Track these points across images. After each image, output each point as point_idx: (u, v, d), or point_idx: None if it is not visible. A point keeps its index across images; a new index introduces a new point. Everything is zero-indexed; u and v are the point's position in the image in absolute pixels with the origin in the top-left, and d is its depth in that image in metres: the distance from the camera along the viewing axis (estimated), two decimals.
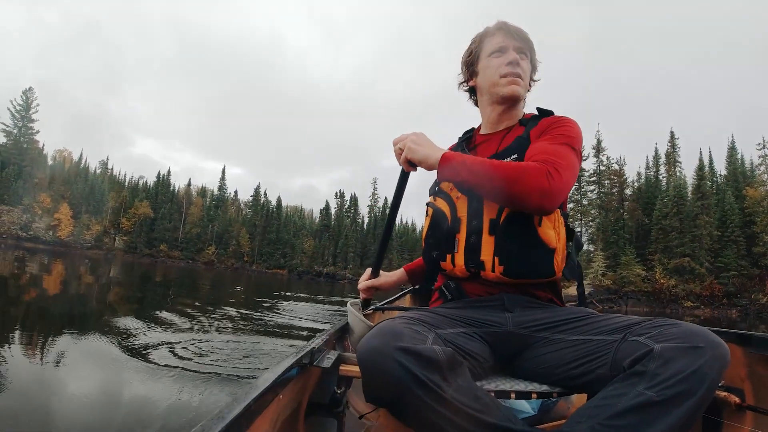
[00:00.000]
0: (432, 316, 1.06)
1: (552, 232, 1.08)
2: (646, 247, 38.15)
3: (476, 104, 1.37)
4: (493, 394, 0.97)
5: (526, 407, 1.40)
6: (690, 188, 39.09)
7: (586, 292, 1.21)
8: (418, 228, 65.13)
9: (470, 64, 1.33)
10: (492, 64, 1.24)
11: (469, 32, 1.35)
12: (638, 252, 37.72)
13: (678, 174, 42.03)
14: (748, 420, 1.12)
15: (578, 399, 1.47)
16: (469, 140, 1.36)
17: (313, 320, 7.35)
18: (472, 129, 1.40)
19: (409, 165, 1.16)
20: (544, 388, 1.01)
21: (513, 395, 1.00)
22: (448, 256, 1.16)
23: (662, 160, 43.16)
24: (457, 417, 0.80)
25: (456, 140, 1.41)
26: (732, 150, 40.94)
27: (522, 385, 1.02)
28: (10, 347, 3.54)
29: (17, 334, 4.11)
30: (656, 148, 43.90)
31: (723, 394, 1.14)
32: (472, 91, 1.37)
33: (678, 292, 34.28)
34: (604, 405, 0.79)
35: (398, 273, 1.53)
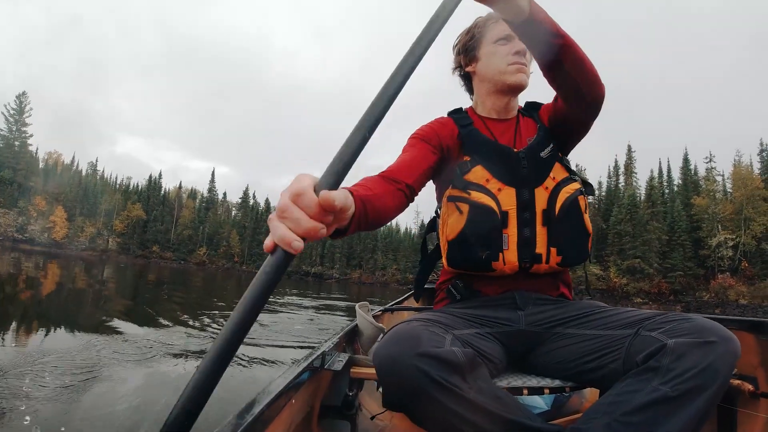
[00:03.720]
0: (446, 316, 0.99)
1: (588, 217, 1.08)
2: (603, 249, 39.29)
3: (468, 90, 1.27)
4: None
5: (540, 403, 1.36)
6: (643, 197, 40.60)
7: None
8: (402, 228, 64.67)
9: (470, 49, 1.19)
10: (499, 51, 1.13)
11: (455, 30, 1.18)
12: (596, 254, 38.85)
13: (635, 183, 43.57)
14: (762, 407, 1.07)
15: (591, 393, 1.42)
16: (467, 121, 1.19)
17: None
18: (461, 108, 1.26)
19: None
20: (557, 383, 0.96)
21: (526, 391, 0.95)
22: (500, 255, 1.03)
23: (621, 170, 44.64)
24: (478, 418, 0.75)
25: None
26: (685, 161, 42.45)
27: (534, 381, 0.97)
28: (3, 344, 3.34)
29: (10, 332, 3.89)
30: (616, 159, 45.56)
31: (737, 382, 1.08)
32: (467, 76, 1.24)
33: (629, 289, 35.40)
34: (620, 401, 0.75)
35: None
